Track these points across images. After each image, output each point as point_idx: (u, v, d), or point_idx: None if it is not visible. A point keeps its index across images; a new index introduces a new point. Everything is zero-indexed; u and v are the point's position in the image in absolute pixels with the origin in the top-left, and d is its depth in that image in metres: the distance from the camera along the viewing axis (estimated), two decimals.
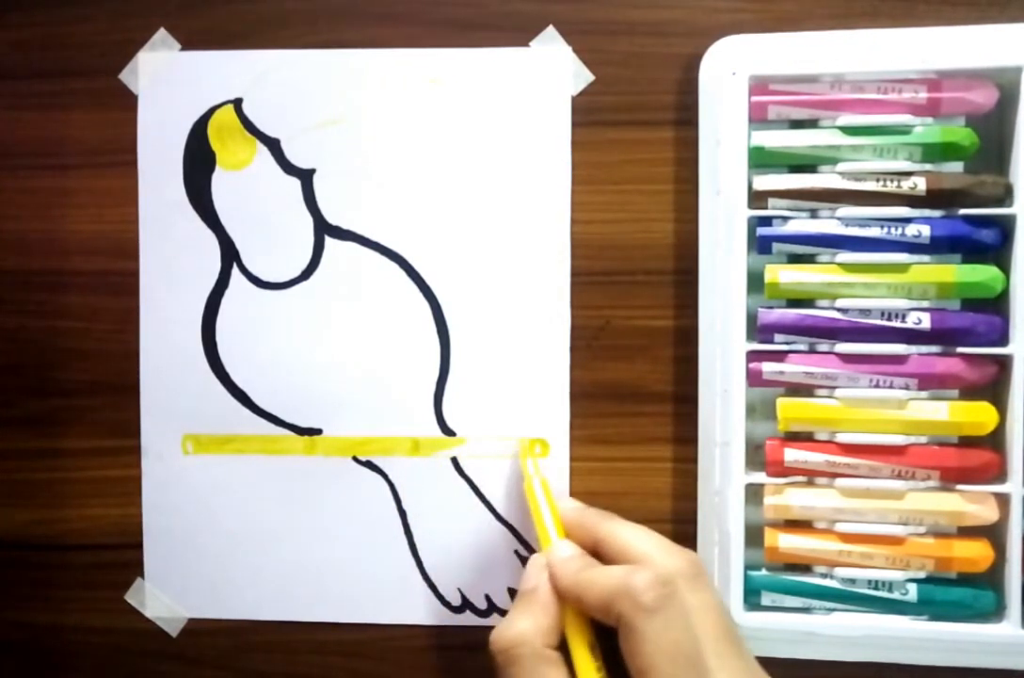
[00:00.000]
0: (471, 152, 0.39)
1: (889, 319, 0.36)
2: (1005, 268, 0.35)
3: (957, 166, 0.37)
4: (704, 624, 0.30)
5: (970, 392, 0.36)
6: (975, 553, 0.35)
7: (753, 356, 0.36)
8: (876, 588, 0.36)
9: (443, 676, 0.40)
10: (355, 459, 0.40)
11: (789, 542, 0.36)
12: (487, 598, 0.39)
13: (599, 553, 0.34)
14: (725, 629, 0.31)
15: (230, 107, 0.39)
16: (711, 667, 0.29)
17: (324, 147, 0.39)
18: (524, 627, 0.32)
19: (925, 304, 0.36)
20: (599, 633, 0.32)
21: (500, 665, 0.32)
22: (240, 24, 0.39)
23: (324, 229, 0.39)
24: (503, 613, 0.39)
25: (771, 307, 0.36)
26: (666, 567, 0.31)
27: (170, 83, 0.40)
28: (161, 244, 0.40)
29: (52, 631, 0.41)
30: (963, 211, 0.35)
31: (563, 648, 0.32)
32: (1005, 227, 0.35)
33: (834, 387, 0.36)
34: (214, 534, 0.40)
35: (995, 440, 0.36)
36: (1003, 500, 0.35)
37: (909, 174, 0.36)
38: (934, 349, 0.36)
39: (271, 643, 0.40)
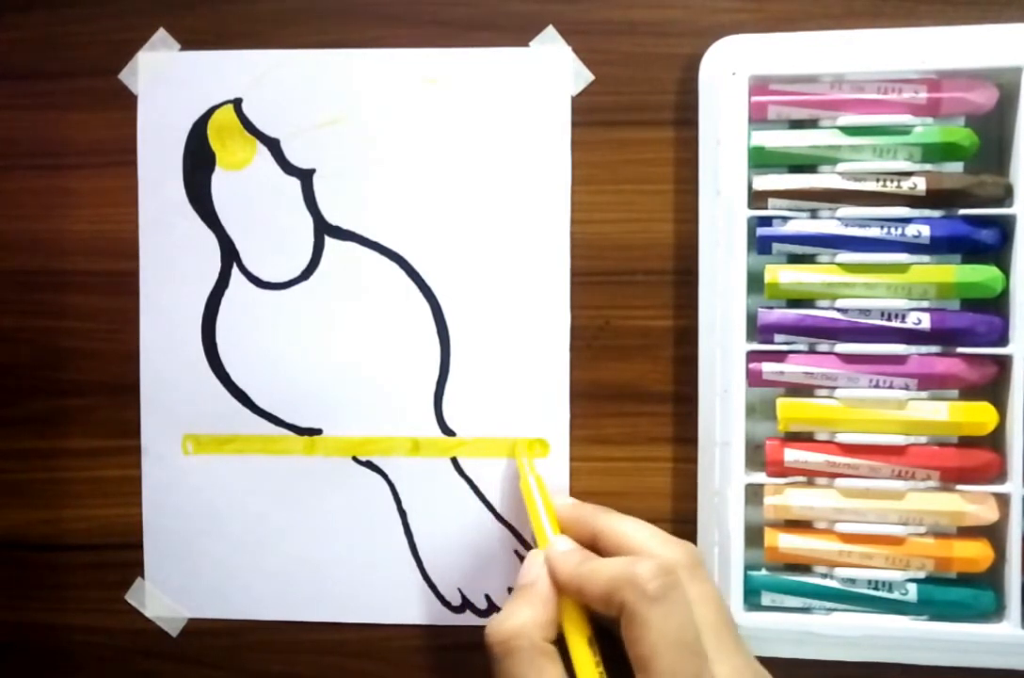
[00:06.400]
0: (471, 152, 0.39)
1: (889, 319, 0.36)
2: (1005, 268, 0.35)
3: (957, 166, 0.37)
4: (704, 615, 0.30)
5: (970, 392, 0.36)
6: (975, 553, 0.35)
7: (753, 356, 0.36)
8: (876, 588, 0.36)
9: (443, 676, 0.40)
10: (355, 459, 0.40)
11: (789, 542, 0.36)
12: (487, 598, 0.39)
13: (597, 548, 0.34)
14: (724, 621, 0.31)
15: (230, 107, 0.39)
16: (712, 658, 0.30)
17: (324, 147, 0.39)
18: (523, 619, 0.32)
19: (925, 304, 0.36)
20: (596, 630, 0.32)
21: (496, 656, 0.31)
22: (240, 24, 0.39)
23: (324, 229, 0.39)
24: None
25: (771, 307, 0.36)
26: (667, 557, 0.31)
27: (170, 83, 0.40)
28: (161, 244, 0.40)
29: (52, 631, 0.41)
30: (963, 211, 0.35)
31: (558, 644, 0.32)
32: (1005, 227, 0.35)
33: (834, 387, 0.36)
34: (214, 534, 0.40)
35: (995, 440, 0.36)
36: (1003, 500, 0.35)
37: (909, 174, 0.36)
38: (934, 349, 0.36)
39: (271, 643, 0.40)
